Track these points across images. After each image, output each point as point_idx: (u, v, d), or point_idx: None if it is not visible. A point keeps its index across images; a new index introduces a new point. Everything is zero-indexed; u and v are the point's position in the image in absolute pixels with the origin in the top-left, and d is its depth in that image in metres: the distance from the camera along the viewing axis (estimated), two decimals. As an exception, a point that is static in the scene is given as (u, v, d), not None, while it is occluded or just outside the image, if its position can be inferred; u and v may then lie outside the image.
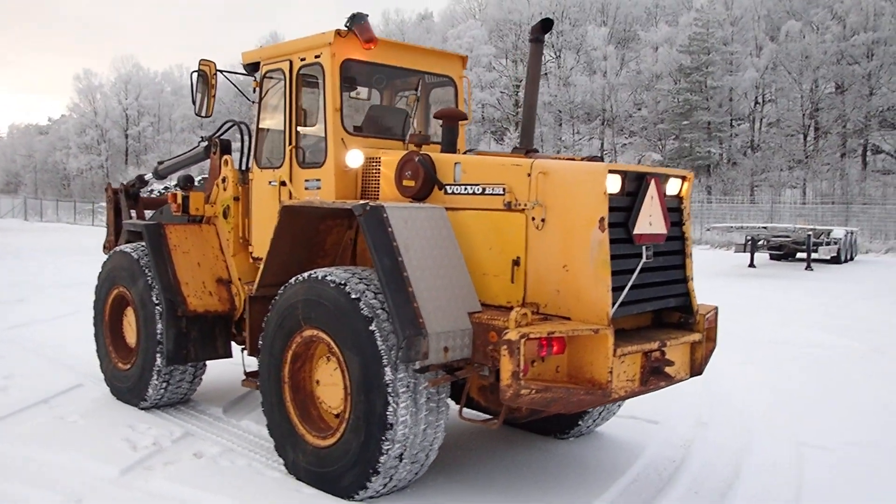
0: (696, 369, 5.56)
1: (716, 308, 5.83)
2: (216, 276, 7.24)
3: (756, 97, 56.63)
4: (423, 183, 5.65)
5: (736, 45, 55.36)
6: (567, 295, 4.93)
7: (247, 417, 7.23)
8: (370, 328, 4.98)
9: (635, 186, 5.09)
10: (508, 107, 65.37)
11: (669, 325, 5.63)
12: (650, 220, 5.16)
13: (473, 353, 5.03)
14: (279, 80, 6.79)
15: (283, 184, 6.57)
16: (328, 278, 5.30)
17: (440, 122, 6.16)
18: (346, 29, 6.22)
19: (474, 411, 5.76)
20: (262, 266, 6.16)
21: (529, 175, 5.11)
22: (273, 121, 6.96)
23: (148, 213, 9.13)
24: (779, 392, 8.52)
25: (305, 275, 5.52)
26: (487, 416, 5.41)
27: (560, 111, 61.24)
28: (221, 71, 7.17)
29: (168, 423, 7.00)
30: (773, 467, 6.12)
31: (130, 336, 7.68)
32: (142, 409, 7.43)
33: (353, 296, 5.10)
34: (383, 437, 4.94)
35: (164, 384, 7.27)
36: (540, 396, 4.65)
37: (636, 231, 5.06)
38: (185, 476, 5.72)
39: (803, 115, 54.76)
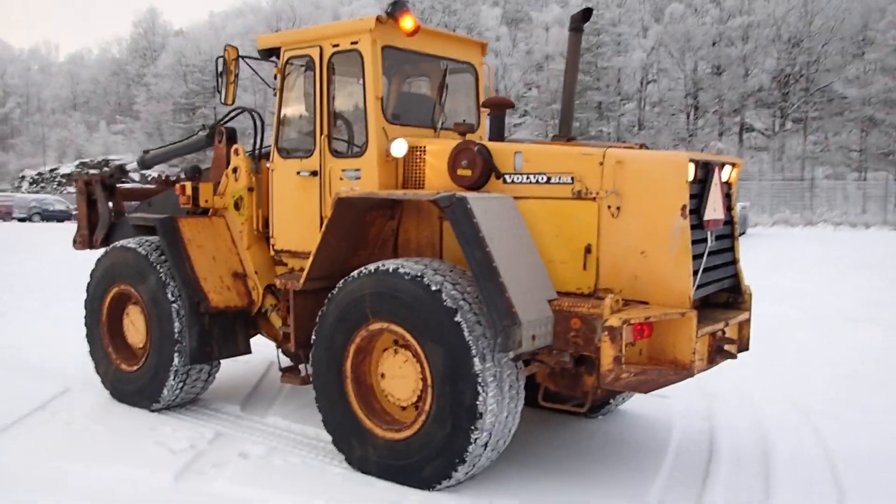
0: (743, 345, 5.87)
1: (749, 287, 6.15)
2: (232, 270, 7.01)
3: (642, 78, 58.73)
4: (481, 172, 5.67)
5: (623, 27, 57.21)
6: (645, 280, 5.10)
7: (270, 413, 7.08)
8: (455, 319, 4.99)
9: (703, 174, 5.29)
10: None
11: (717, 304, 5.89)
12: (714, 207, 5.39)
13: (554, 340, 5.12)
14: (305, 66, 6.61)
15: (313, 174, 6.42)
16: (401, 271, 5.26)
17: (487, 111, 6.17)
18: (386, 15, 6.12)
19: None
20: (310, 259, 6.02)
21: (601, 164, 5.23)
22: (298, 108, 6.78)
23: (128, 205, 8.71)
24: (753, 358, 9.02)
25: (371, 267, 5.46)
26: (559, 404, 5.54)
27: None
28: (243, 57, 6.90)
29: (192, 425, 6.75)
30: (787, 424, 6.56)
31: (134, 336, 7.32)
32: (152, 411, 7.13)
33: (434, 287, 5.09)
34: (473, 427, 4.98)
35: (181, 384, 7.00)
36: (636, 379, 4.82)
37: (706, 217, 5.28)
38: (245, 477, 5.58)
39: (686, 95, 57.26)
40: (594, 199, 5.26)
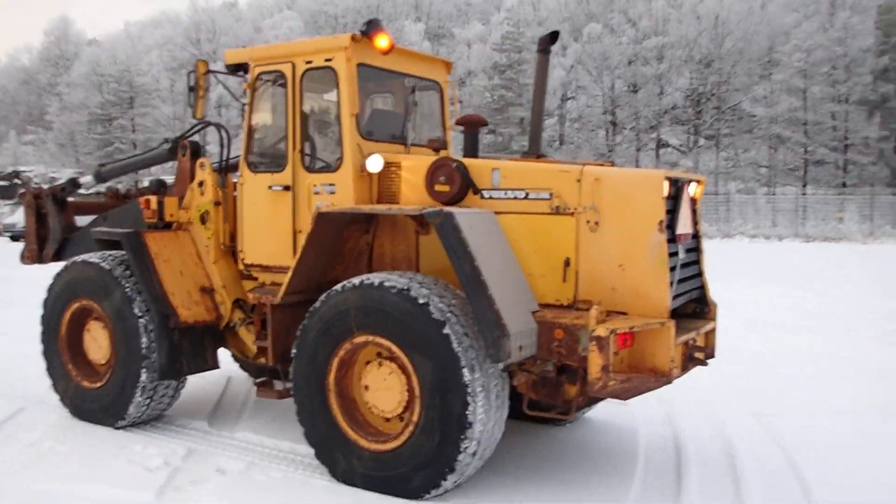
0: (710, 353, 6.18)
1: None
2: (199, 285, 6.95)
3: (563, 94, 60.10)
4: (459, 188, 5.82)
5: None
6: (624, 292, 5.34)
7: (240, 428, 7.04)
8: (443, 331, 5.12)
9: (675, 190, 5.59)
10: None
11: (685, 315, 6.19)
12: (684, 222, 5.69)
13: (538, 350, 5.31)
14: (275, 82, 6.65)
15: (286, 188, 6.46)
16: (387, 284, 5.37)
17: (461, 128, 6.34)
18: (361, 34, 6.22)
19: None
20: (289, 273, 6.06)
21: (579, 181, 5.46)
22: (268, 123, 6.80)
23: (80, 220, 8.51)
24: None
25: (356, 281, 5.54)
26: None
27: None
28: (212, 71, 6.87)
29: (162, 441, 6.66)
30: (745, 427, 6.92)
31: (96, 352, 7.17)
32: (117, 428, 6.99)
33: (421, 301, 5.21)
34: (462, 436, 5.11)
35: (148, 401, 6.89)
36: (621, 387, 5.04)
37: (677, 231, 5.57)
38: (226, 493, 5.57)
39: (604, 112, 58.87)
40: (572, 214, 5.48)
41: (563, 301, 5.54)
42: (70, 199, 8.77)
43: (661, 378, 5.21)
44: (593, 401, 6.12)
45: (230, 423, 7.25)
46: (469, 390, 5.07)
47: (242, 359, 7.25)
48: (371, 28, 6.23)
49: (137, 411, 6.90)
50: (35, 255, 8.58)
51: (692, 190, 5.99)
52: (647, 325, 5.10)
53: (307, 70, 6.40)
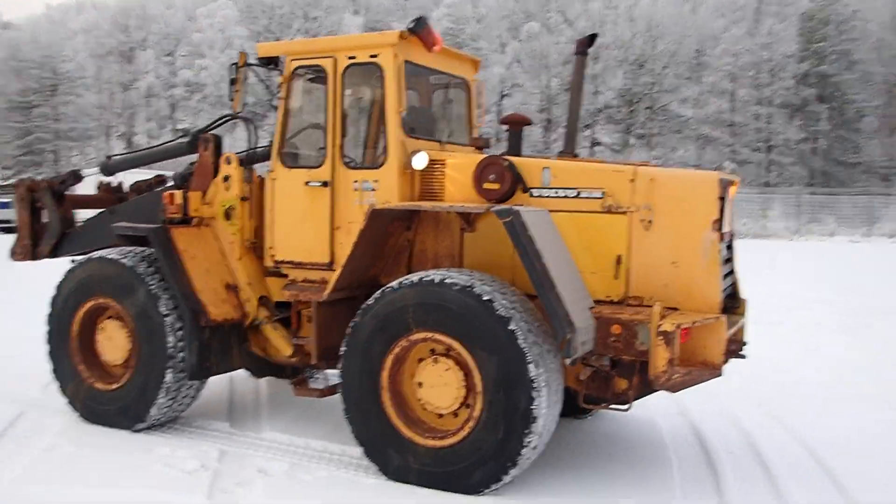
0: (741, 346, 6.39)
1: None
2: (224, 282, 6.81)
3: (500, 91, 60.59)
4: (509, 186, 5.88)
5: (483, 42, 58.82)
6: (676, 288, 5.50)
7: (265, 429, 6.92)
8: (509, 328, 5.18)
9: (723, 191, 5.77)
10: (260, 92, 63.83)
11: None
12: (727, 220, 5.89)
13: (594, 345, 5.43)
14: (314, 76, 6.57)
15: (324, 184, 6.39)
16: (448, 281, 5.39)
17: (505, 126, 6.39)
18: (408, 31, 6.21)
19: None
20: (338, 270, 6.01)
21: (633, 181, 5.59)
22: (304, 118, 6.72)
23: (78, 214, 8.22)
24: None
25: (414, 278, 5.54)
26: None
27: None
28: (249, 64, 6.73)
29: (189, 444, 6.49)
30: (756, 418, 7.20)
31: (112, 352, 6.93)
32: (135, 431, 6.78)
33: (485, 297, 5.25)
34: (527, 431, 5.18)
35: (171, 402, 6.71)
36: (681, 379, 5.20)
37: (724, 230, 5.76)
38: (277, 494, 5.50)
39: (540, 109, 59.63)
40: (625, 212, 5.61)
41: (613, 297, 5.67)
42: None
43: (713, 371, 5.40)
44: (643, 393, 6.26)
45: (251, 423, 7.13)
46: (535, 385, 5.14)
47: (263, 357, 7.12)
48: (419, 26, 6.22)
49: (158, 413, 6.71)
50: (28, 252, 8.23)
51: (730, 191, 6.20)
52: (705, 320, 5.27)
53: (349, 66, 6.34)
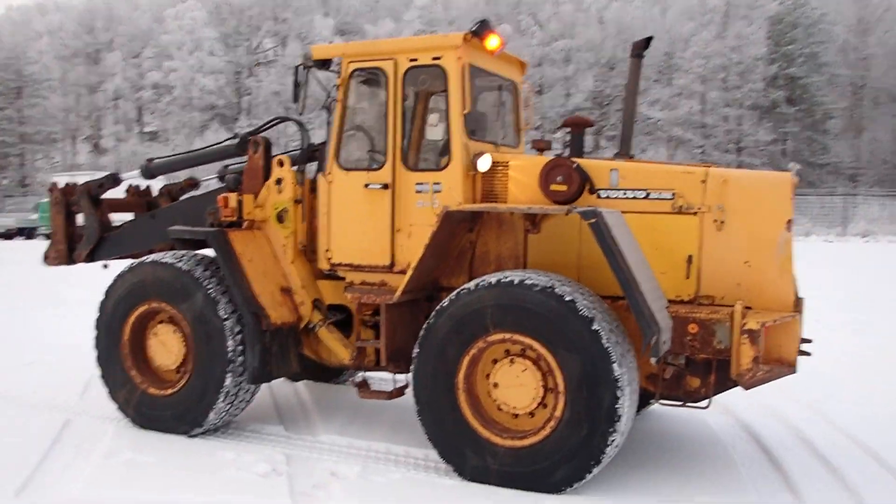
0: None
1: None
2: (279, 285, 6.79)
3: (473, 94, 60.64)
4: (576, 188, 5.95)
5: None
6: (749, 287, 5.62)
7: (320, 431, 6.90)
8: (593, 328, 5.24)
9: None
10: (229, 95, 63.31)
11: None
12: (791, 220, 6.02)
13: (671, 344, 5.51)
14: (372, 79, 6.57)
15: (385, 186, 6.40)
16: (528, 282, 5.44)
17: (567, 129, 6.45)
18: (471, 33, 6.25)
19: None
20: (410, 272, 6.02)
21: (704, 182, 5.70)
22: (362, 120, 6.72)
23: (115, 218, 8.13)
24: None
25: (492, 279, 5.58)
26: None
27: (287, 100, 60.40)
28: (306, 66, 6.69)
29: (250, 448, 6.45)
30: (798, 411, 7.38)
31: (165, 357, 6.86)
32: (191, 436, 6.72)
33: (567, 298, 5.32)
34: (611, 429, 5.25)
35: (229, 406, 6.66)
36: (763, 376, 5.32)
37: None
38: (359, 497, 5.50)
39: (513, 111, 59.77)
40: (695, 213, 5.71)
41: (683, 297, 5.77)
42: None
43: (789, 368, 5.52)
44: (717, 391, 6.36)
45: (305, 426, 7.10)
46: (619, 384, 5.21)
47: (315, 361, 7.10)
48: (482, 28, 6.27)
49: (216, 418, 6.66)
50: (63, 256, 8.12)
51: (789, 190, 6.33)
52: (784, 318, 5.39)
53: (410, 68, 6.36)
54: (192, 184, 8.61)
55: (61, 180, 8.61)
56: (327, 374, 8.47)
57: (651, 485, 5.73)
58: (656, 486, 5.72)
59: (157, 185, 8.57)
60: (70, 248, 8.11)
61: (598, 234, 5.29)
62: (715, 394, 5.80)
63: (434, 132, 7.06)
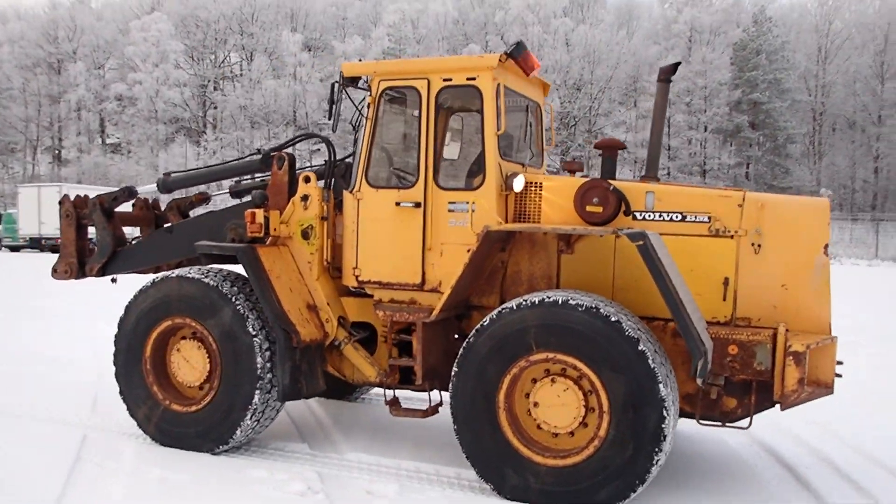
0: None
1: None
2: (306, 302, 6.75)
3: (442, 112, 60.92)
4: (612, 210, 6.02)
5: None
6: (785, 310, 5.74)
7: (345, 450, 6.84)
8: (639, 348, 5.30)
9: (827, 216, 6.04)
10: (194, 108, 62.74)
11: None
12: (823, 244, 6.17)
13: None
14: (403, 98, 6.60)
15: (417, 205, 6.41)
16: (572, 302, 5.48)
17: (599, 151, 6.54)
18: (507, 55, 6.31)
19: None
20: (448, 290, 6.03)
21: (741, 206, 5.81)
22: (393, 139, 6.72)
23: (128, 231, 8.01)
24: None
25: (535, 299, 5.61)
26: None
27: (255, 115, 60.09)
28: (341, 84, 6.67)
29: (281, 466, 6.36)
30: (806, 428, 7.49)
31: (188, 374, 6.75)
32: (215, 454, 6.62)
33: (613, 319, 5.37)
34: (657, 449, 5.30)
35: (255, 424, 6.58)
36: (805, 397, 5.42)
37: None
38: (402, 516, 5.46)
39: (476, 131, 60.16)
40: (732, 236, 5.82)
41: (720, 318, 5.86)
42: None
43: (827, 389, 5.64)
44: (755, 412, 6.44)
45: (328, 444, 7.04)
46: (665, 404, 5.27)
47: (339, 378, 7.06)
48: (518, 50, 6.34)
49: (242, 435, 6.58)
50: (74, 270, 7.96)
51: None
52: (824, 341, 5.51)
53: (444, 88, 6.40)
54: (203, 198, 8.52)
55: (72, 192, 8.43)
56: (339, 391, 8.40)
57: (689, 502, 5.79)
58: (683, 499, 5.79)
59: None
60: (80, 261, 7.95)
61: (646, 256, 5.36)
62: (753, 414, 5.88)
63: (449, 151, 7.13)
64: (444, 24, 63.46)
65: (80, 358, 10.62)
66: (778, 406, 5.62)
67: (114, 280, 8.21)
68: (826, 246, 5.68)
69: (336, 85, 6.64)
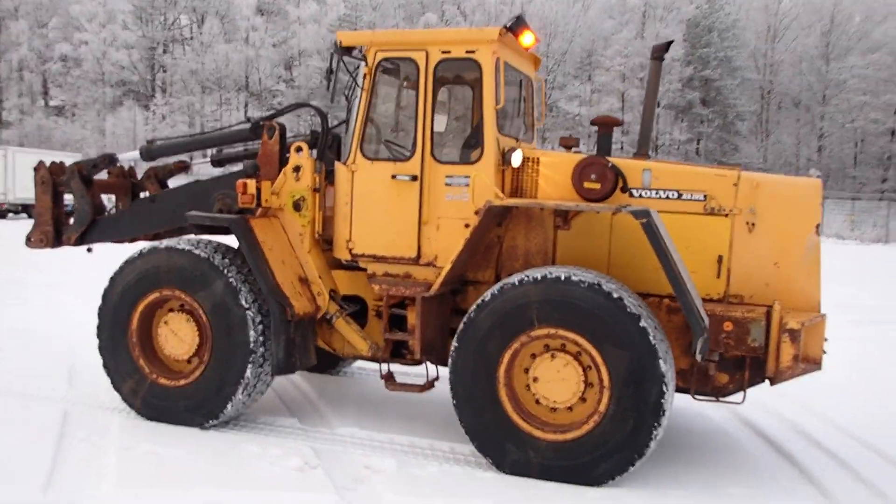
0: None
1: None
2: (297, 275, 6.67)
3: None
4: (610, 186, 6.07)
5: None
6: (777, 288, 5.88)
7: (337, 424, 6.82)
8: (640, 325, 5.38)
9: (818, 196, 6.17)
10: (142, 71, 61.04)
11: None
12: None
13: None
14: (400, 69, 6.51)
15: (413, 178, 6.37)
16: (574, 279, 5.53)
17: (595, 127, 6.55)
18: (506, 28, 6.27)
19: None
20: (449, 265, 6.02)
21: (736, 185, 5.91)
22: (388, 111, 6.64)
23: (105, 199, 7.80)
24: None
25: (537, 275, 5.64)
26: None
27: (206, 79, 58.73)
28: (339, 54, 6.52)
29: (274, 441, 6.30)
30: (788, 398, 7.73)
31: (176, 347, 6.63)
32: (204, 428, 6.54)
33: (615, 295, 5.44)
34: (656, 423, 5.41)
35: (247, 398, 6.51)
36: (800, 372, 5.58)
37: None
38: (402, 489, 5.48)
39: (436, 101, 59.85)
40: (727, 215, 5.92)
41: (713, 295, 5.97)
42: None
43: (815, 365, 5.80)
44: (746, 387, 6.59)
45: (317, 418, 7.01)
46: (665, 380, 5.37)
47: (329, 351, 7.02)
48: (518, 24, 6.31)
49: (233, 410, 6.50)
50: (49, 238, 7.70)
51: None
52: (815, 318, 5.67)
53: (442, 60, 6.33)
54: (182, 167, 8.31)
55: (47, 159, 8.13)
56: (322, 364, 8.34)
57: (683, 477, 5.93)
58: (688, 477, 5.93)
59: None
60: (57, 230, 7.71)
61: (651, 233, 5.42)
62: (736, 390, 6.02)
63: (436, 124, 7.06)
64: (401, -8, 62.65)
65: (47, 329, 10.34)
66: (767, 381, 5.76)
67: (89, 250, 7.99)
68: (818, 225, 5.82)
69: (334, 55, 6.49)
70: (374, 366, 8.32)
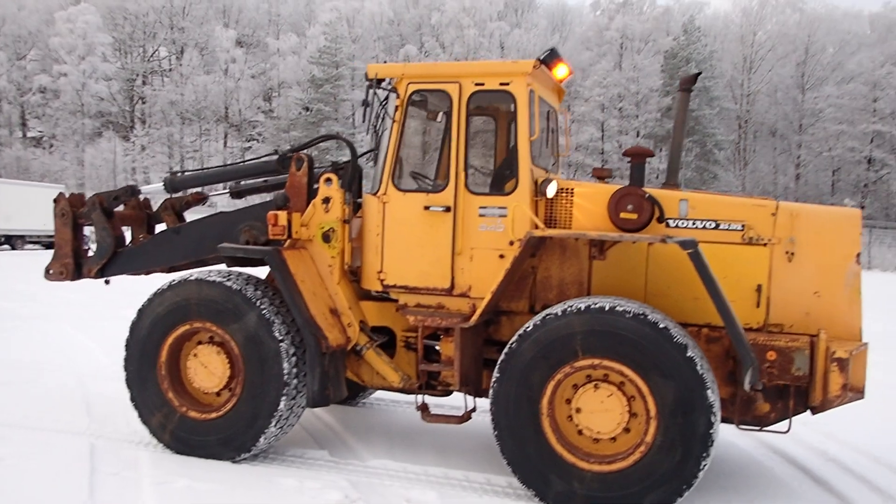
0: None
1: None
2: (328, 306, 6.61)
3: (378, 112, 60.59)
4: (647, 217, 6.10)
5: (359, 62, 58.82)
6: (818, 317, 5.91)
7: (368, 456, 6.72)
8: (688, 355, 5.38)
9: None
10: (122, 102, 60.78)
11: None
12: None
13: (749, 371, 5.72)
14: (433, 101, 6.52)
15: (447, 209, 6.36)
16: (619, 309, 5.52)
17: (628, 159, 6.59)
18: (540, 61, 6.32)
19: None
20: (489, 295, 5.99)
21: (774, 215, 5.96)
22: (421, 142, 6.64)
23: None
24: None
25: (580, 305, 5.62)
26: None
27: (185, 110, 58.55)
28: (374, 86, 6.52)
29: (307, 475, 6.19)
30: (805, 433, 7.73)
31: (206, 380, 6.52)
32: (235, 462, 6.42)
33: (661, 325, 5.43)
34: (705, 454, 5.39)
35: (279, 431, 6.41)
36: (847, 400, 5.60)
37: (854, 262, 6.23)
38: (449, 524, 5.40)
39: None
40: (766, 244, 5.96)
41: (752, 325, 5.99)
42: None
43: (859, 394, 5.82)
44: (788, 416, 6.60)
45: (346, 450, 6.90)
46: (713, 410, 5.36)
47: (359, 383, 6.94)
48: (552, 57, 6.36)
49: (265, 443, 6.39)
50: (70, 271, 7.58)
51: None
52: (860, 347, 5.70)
53: (475, 92, 6.36)
54: (200, 199, 8.25)
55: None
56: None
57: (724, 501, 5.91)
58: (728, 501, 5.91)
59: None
60: (76, 262, 7.59)
61: (698, 263, 5.44)
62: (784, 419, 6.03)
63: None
64: (380, 24, 63.22)
65: (50, 361, 10.15)
66: (818, 411, 5.77)
67: (107, 282, 7.87)
68: (858, 255, 5.87)
69: (370, 88, 6.49)
70: (393, 396, 8.28)
